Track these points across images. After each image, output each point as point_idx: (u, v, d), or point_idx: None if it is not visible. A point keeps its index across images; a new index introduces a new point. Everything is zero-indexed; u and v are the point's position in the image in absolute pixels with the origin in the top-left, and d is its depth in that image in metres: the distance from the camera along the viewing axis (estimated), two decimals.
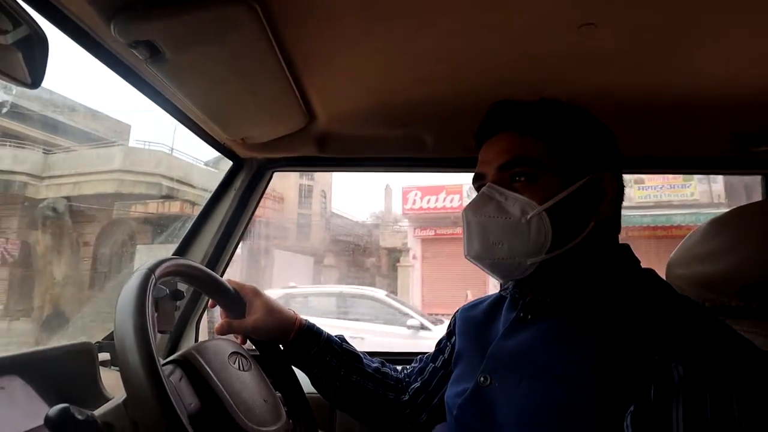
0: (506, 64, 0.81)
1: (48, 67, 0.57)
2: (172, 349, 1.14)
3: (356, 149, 1.13)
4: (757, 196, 1.34)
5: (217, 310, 0.83)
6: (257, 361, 0.77)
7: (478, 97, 0.86)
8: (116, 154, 10.61)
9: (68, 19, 0.61)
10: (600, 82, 0.85)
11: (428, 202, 12.06)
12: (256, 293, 0.81)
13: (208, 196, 1.20)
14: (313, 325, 0.86)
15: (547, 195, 0.62)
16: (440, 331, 2.16)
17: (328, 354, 0.84)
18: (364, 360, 0.88)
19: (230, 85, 0.80)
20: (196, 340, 1.18)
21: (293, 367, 0.85)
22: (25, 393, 0.69)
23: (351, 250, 14.58)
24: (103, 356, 0.94)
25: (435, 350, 0.88)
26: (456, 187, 11.74)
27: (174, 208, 10.82)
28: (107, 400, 0.72)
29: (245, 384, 0.68)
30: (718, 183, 9.78)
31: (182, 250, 1.15)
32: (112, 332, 1.03)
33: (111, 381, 0.84)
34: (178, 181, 10.94)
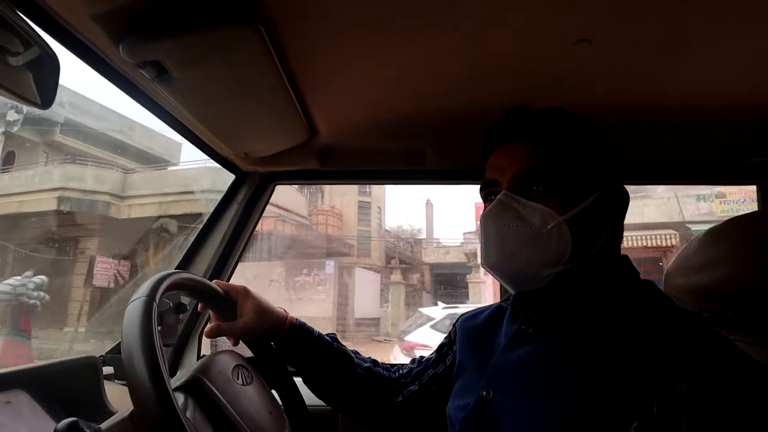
0: (503, 79, 0.83)
1: (59, 86, 0.59)
2: (175, 361, 1.15)
3: (357, 162, 1.14)
4: None
5: None
6: (252, 363, 0.78)
7: (476, 110, 0.89)
8: (199, 175, 10.43)
9: (78, 41, 0.63)
10: (596, 95, 0.87)
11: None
12: (247, 294, 0.81)
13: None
14: (304, 324, 0.87)
15: (565, 206, 0.61)
16: None
17: (318, 353, 0.85)
18: (356, 360, 0.88)
19: (234, 101, 0.82)
20: (199, 351, 1.18)
21: (292, 370, 0.86)
22: (30, 407, 0.70)
23: (411, 265, 14.59)
24: (107, 370, 0.95)
25: (436, 356, 0.88)
26: None
27: (267, 225, 10.83)
28: (112, 413, 0.72)
29: (251, 400, 0.69)
30: None
31: (185, 263, 1.16)
32: (115, 346, 1.04)
33: (115, 394, 0.85)
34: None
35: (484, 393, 0.65)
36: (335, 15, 0.65)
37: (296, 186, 11.40)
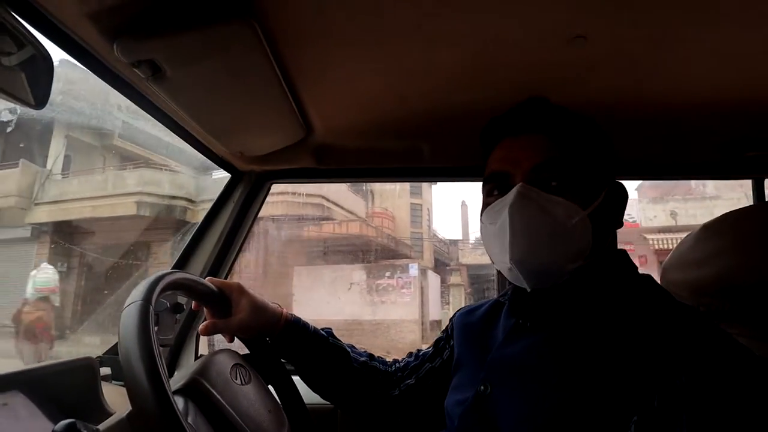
0: (499, 76, 0.83)
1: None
2: (173, 361, 1.14)
3: (354, 160, 1.14)
4: None
5: None
6: (248, 360, 0.78)
7: (472, 108, 0.89)
8: None
9: (72, 41, 0.62)
10: (592, 92, 0.87)
11: None
12: (241, 291, 0.80)
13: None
14: (299, 319, 0.87)
15: (583, 200, 0.61)
16: None
17: (314, 348, 0.85)
18: (351, 354, 0.88)
19: (228, 100, 0.82)
20: (197, 351, 1.18)
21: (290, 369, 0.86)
22: (27, 409, 0.70)
23: (452, 266, 14.65)
24: (105, 371, 0.94)
25: (433, 350, 0.88)
26: None
27: (353, 228, 10.79)
28: (109, 414, 0.72)
29: (250, 400, 0.69)
30: None
31: (182, 263, 1.16)
32: (112, 347, 1.03)
33: (112, 395, 0.84)
34: (335, 203, 10.88)
35: (482, 388, 0.65)
36: (329, 11, 0.65)
37: (350, 186, 11.24)
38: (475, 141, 0.73)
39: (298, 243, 10.56)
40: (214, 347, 1.20)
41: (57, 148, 10.04)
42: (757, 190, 1.27)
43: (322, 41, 0.72)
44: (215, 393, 0.64)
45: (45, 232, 9.55)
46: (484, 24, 0.68)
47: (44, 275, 5.34)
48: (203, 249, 1.17)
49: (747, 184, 1.29)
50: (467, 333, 0.79)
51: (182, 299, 1.00)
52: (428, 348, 0.90)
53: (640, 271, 0.67)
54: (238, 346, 0.84)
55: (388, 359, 0.93)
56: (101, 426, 0.53)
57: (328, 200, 10.75)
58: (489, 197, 0.67)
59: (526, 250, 0.60)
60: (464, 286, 14.05)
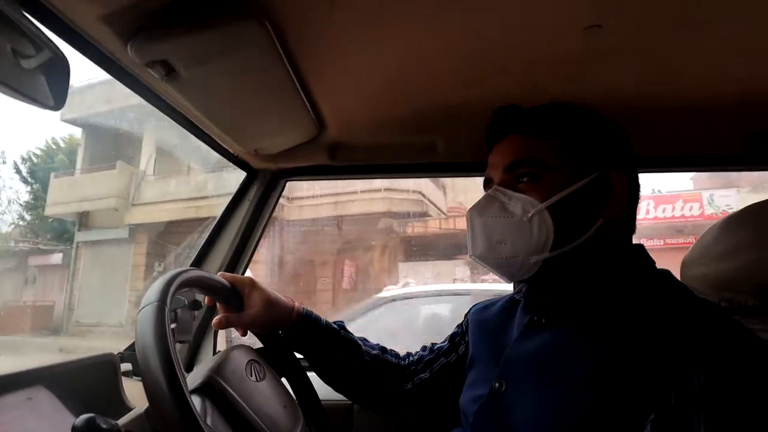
0: (513, 67, 0.81)
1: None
2: (192, 357, 1.16)
3: (367, 156, 1.13)
4: None
5: None
6: (262, 354, 0.79)
7: (486, 100, 0.87)
8: None
9: (88, 43, 0.63)
10: (609, 83, 0.85)
11: (663, 211, 10.60)
12: (253, 286, 0.82)
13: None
14: (311, 313, 0.87)
15: (550, 193, 0.63)
16: None
17: (326, 341, 0.85)
18: (363, 348, 0.88)
19: (242, 98, 0.82)
20: (215, 346, 1.19)
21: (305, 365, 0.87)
22: (51, 403, 0.71)
23: None
24: (125, 366, 0.96)
25: (448, 345, 0.88)
26: (694, 195, 10.13)
27: (446, 224, 10.60)
28: (129, 409, 0.74)
29: (265, 396, 0.70)
30: None
31: (199, 261, 1.17)
32: (132, 344, 1.06)
33: (133, 391, 0.86)
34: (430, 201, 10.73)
35: (497, 385, 0.64)
36: (341, 7, 0.64)
37: (432, 181, 10.97)
38: None
39: (399, 238, 10.40)
40: (232, 342, 1.22)
41: (148, 150, 10.29)
42: None
43: (333, 38, 0.72)
44: (231, 391, 0.64)
45: (142, 233, 9.83)
46: (497, 14, 0.67)
47: None
48: (220, 247, 1.18)
49: None
50: (482, 329, 0.79)
51: (200, 296, 1.02)
52: (443, 342, 0.89)
53: None
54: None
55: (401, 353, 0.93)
56: (120, 421, 0.54)
57: (424, 196, 10.43)
58: None
59: (482, 248, 0.67)
60: None
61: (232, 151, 1.07)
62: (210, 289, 0.76)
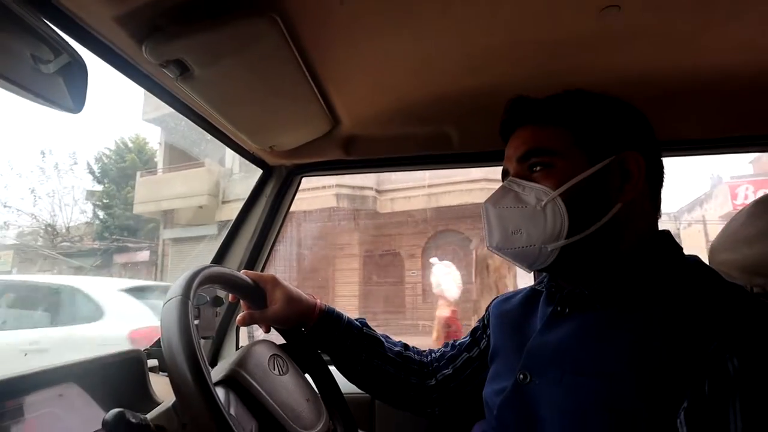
0: (528, 53, 0.80)
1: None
2: (215, 353, 1.18)
3: (382, 149, 1.13)
4: None
5: None
6: (285, 350, 0.80)
7: (501, 89, 0.86)
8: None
9: (103, 45, 0.64)
10: (627, 64, 0.83)
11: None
12: (276, 283, 0.82)
13: None
14: (333, 310, 0.87)
15: (563, 181, 0.62)
16: None
17: (348, 338, 0.86)
18: (386, 344, 0.88)
19: (256, 95, 0.83)
20: (237, 342, 1.21)
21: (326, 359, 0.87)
22: (82, 399, 0.74)
23: None
24: (152, 362, 0.99)
25: (470, 339, 0.87)
26: None
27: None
28: (157, 403, 0.75)
29: (289, 390, 0.70)
30: None
31: (219, 258, 1.19)
32: (158, 340, 1.08)
33: (160, 385, 0.88)
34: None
35: (521, 376, 0.64)
36: (350, 1, 0.64)
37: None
38: None
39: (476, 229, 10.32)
40: (254, 338, 1.23)
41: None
42: None
43: (344, 32, 0.71)
44: (254, 383, 0.65)
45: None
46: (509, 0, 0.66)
47: None
48: (239, 244, 1.20)
49: None
50: (504, 321, 0.78)
51: (221, 293, 1.04)
52: (465, 338, 0.89)
53: None
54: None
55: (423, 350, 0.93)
56: (149, 415, 0.56)
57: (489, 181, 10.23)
58: None
59: (498, 239, 0.67)
60: None
61: (247, 149, 1.08)
62: (233, 286, 0.77)
